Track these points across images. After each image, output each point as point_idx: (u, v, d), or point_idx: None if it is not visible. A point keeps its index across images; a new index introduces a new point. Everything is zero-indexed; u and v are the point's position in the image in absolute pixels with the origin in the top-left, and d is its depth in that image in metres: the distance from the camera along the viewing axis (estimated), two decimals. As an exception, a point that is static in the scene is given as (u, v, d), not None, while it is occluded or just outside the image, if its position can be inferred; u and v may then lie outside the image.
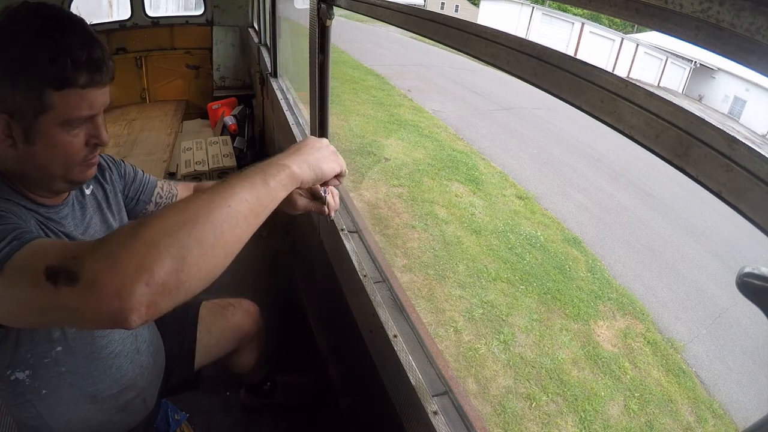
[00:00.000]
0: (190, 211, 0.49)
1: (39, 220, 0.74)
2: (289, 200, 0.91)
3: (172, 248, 0.46)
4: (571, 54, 0.51)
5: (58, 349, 0.80)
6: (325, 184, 0.79)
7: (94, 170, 0.80)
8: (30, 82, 0.65)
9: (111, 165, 0.97)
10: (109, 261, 0.46)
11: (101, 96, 0.72)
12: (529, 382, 3.24)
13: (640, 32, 20.15)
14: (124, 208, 1.00)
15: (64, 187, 0.79)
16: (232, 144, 3.37)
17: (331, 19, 1.06)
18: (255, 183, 0.55)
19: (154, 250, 0.46)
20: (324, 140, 0.74)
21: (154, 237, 0.46)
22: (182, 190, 1.11)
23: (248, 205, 0.53)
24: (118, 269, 0.45)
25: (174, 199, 1.08)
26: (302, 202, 0.91)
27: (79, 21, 0.69)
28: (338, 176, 0.75)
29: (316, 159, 0.67)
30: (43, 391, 0.82)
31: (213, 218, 0.49)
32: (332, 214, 0.97)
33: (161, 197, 1.06)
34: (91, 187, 0.91)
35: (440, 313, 3.69)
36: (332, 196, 0.95)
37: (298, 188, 0.65)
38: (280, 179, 0.58)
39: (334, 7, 1.04)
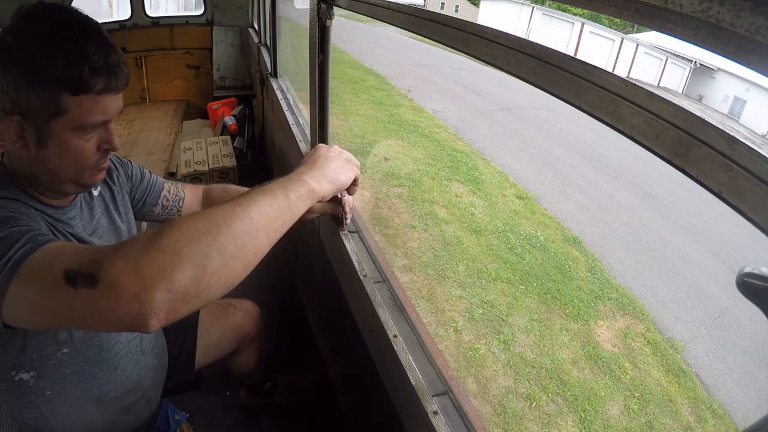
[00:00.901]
0: (213, 220, 0.50)
1: (48, 221, 0.74)
2: None
3: (194, 256, 0.47)
4: (571, 54, 0.51)
5: (65, 350, 0.79)
6: (345, 193, 0.80)
7: (103, 174, 0.81)
8: (45, 85, 0.65)
9: (118, 166, 0.97)
10: (131, 265, 0.46)
11: (115, 102, 0.72)
12: (529, 382, 3.25)
13: (640, 32, 20.15)
14: (131, 210, 1.00)
15: (74, 190, 0.80)
16: (232, 144, 3.37)
17: (331, 19, 1.06)
18: (277, 197, 0.57)
19: (175, 257, 0.46)
20: (335, 147, 0.75)
21: (176, 244, 0.47)
22: (190, 192, 1.10)
23: (269, 218, 0.54)
24: (139, 274, 0.45)
25: (181, 202, 1.08)
26: (317, 205, 0.93)
27: (95, 25, 0.69)
28: (354, 182, 0.77)
29: (333, 171, 0.69)
30: (48, 393, 0.81)
31: (234, 229, 0.50)
32: (348, 218, 0.99)
33: (168, 200, 1.06)
34: (99, 188, 0.91)
35: (440, 313, 3.69)
36: (347, 199, 0.97)
37: (321, 201, 0.68)
38: (301, 194, 0.60)
39: (334, 7, 1.04)
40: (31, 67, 0.64)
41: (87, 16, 0.70)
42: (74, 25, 0.67)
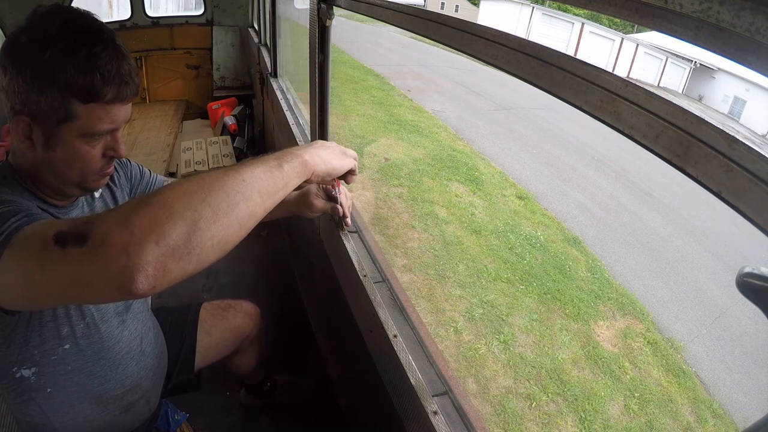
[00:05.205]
0: (205, 179, 0.50)
1: None
2: (307, 202, 0.95)
3: (186, 211, 0.46)
4: (571, 54, 0.51)
5: (66, 346, 0.80)
6: (339, 183, 0.80)
7: (107, 180, 0.81)
8: (57, 90, 0.65)
9: (118, 168, 0.97)
10: (121, 220, 0.46)
11: (124, 111, 0.73)
12: (529, 382, 3.25)
13: (640, 32, 20.17)
14: None
15: (77, 193, 0.80)
16: (232, 144, 3.37)
17: (331, 19, 1.06)
18: (269, 163, 0.57)
19: (167, 210, 0.46)
20: (333, 142, 0.77)
21: (168, 200, 0.47)
22: None
23: (262, 182, 0.54)
24: (128, 227, 0.44)
25: None
26: (320, 203, 0.95)
27: (110, 33, 0.69)
28: (350, 174, 0.77)
29: (326, 155, 0.70)
30: (48, 390, 0.82)
31: (227, 187, 0.50)
32: (348, 215, 0.99)
33: None
34: (101, 190, 0.91)
35: (440, 313, 3.69)
36: (345, 198, 0.97)
37: (308, 181, 0.67)
38: (293, 165, 0.60)
39: (334, 7, 1.04)
40: (44, 72, 0.64)
41: (103, 23, 0.70)
42: (90, 32, 0.67)
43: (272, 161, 0.58)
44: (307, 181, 0.66)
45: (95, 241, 0.45)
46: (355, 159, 0.77)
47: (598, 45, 20.84)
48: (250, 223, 0.53)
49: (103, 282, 0.46)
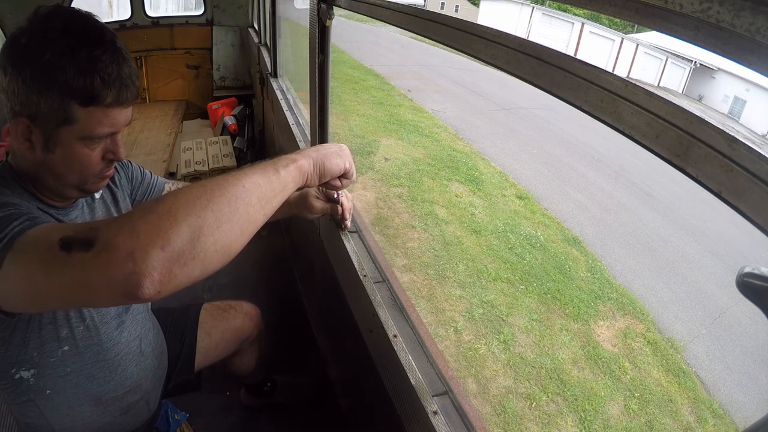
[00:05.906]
0: (207, 187, 0.51)
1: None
2: (306, 204, 0.96)
3: (189, 217, 0.47)
4: (571, 54, 0.51)
5: (65, 348, 0.80)
6: (333, 187, 0.80)
7: (107, 182, 0.81)
8: (56, 93, 0.65)
9: (120, 169, 0.97)
10: (127, 227, 0.46)
11: (124, 114, 0.73)
12: (529, 382, 3.25)
13: (640, 32, 20.17)
14: None
15: (77, 195, 0.81)
16: (232, 144, 3.37)
17: (331, 19, 1.06)
18: (266, 170, 0.59)
19: (171, 217, 0.47)
20: (339, 144, 0.78)
21: (172, 207, 0.48)
22: None
23: (260, 188, 0.56)
24: (134, 234, 0.45)
25: None
26: (319, 204, 0.95)
27: (111, 35, 0.69)
28: (344, 177, 0.77)
29: (320, 156, 0.71)
30: (47, 391, 0.82)
31: (228, 194, 0.51)
32: (348, 217, 0.98)
33: None
34: (101, 191, 0.91)
35: (440, 313, 3.69)
36: (345, 199, 0.97)
37: (307, 185, 0.68)
38: (290, 170, 0.62)
39: (334, 7, 1.04)
40: (43, 74, 0.64)
41: (104, 25, 0.70)
42: (90, 34, 0.67)
43: (269, 167, 0.60)
44: (306, 185, 0.67)
45: (101, 247, 0.46)
46: (350, 161, 0.77)
47: (598, 45, 20.84)
48: (251, 229, 0.54)
49: (109, 287, 0.46)
